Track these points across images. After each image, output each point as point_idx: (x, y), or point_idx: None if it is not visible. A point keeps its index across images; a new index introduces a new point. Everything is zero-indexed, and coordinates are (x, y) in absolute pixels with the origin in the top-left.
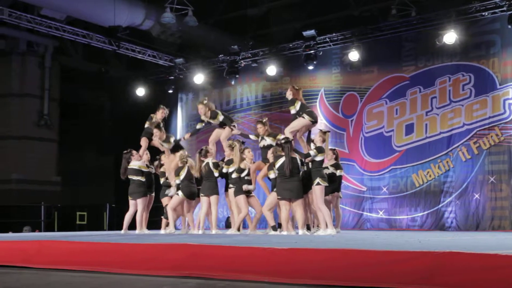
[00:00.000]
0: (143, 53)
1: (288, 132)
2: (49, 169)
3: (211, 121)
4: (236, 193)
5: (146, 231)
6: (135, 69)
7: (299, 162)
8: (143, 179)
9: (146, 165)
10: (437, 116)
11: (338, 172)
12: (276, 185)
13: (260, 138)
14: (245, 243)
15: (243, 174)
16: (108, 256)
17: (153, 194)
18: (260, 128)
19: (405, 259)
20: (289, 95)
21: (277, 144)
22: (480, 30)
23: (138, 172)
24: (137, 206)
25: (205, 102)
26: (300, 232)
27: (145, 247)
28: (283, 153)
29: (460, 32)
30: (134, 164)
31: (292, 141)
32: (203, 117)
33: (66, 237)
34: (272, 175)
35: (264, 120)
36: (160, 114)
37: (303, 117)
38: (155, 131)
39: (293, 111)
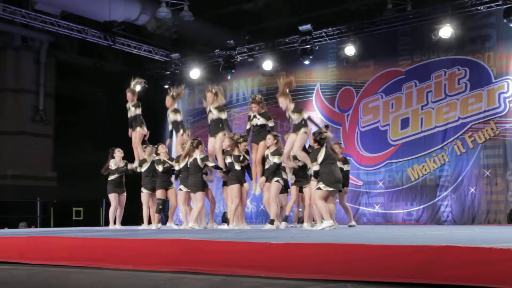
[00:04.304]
0: (138, 48)
1: (298, 152)
2: (45, 165)
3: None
4: (229, 182)
5: (117, 227)
6: (131, 64)
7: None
8: (110, 177)
9: (117, 163)
10: (433, 110)
11: (345, 167)
12: (321, 176)
13: (252, 116)
14: (241, 238)
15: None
16: (104, 251)
17: (124, 194)
18: (255, 108)
19: (401, 253)
20: (287, 103)
21: (315, 141)
22: (475, 24)
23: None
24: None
25: (257, 98)
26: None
27: (140, 242)
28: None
29: (456, 26)
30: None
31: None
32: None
33: (62, 233)
34: (316, 167)
35: (258, 97)
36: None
37: (305, 132)
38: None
39: (298, 119)
